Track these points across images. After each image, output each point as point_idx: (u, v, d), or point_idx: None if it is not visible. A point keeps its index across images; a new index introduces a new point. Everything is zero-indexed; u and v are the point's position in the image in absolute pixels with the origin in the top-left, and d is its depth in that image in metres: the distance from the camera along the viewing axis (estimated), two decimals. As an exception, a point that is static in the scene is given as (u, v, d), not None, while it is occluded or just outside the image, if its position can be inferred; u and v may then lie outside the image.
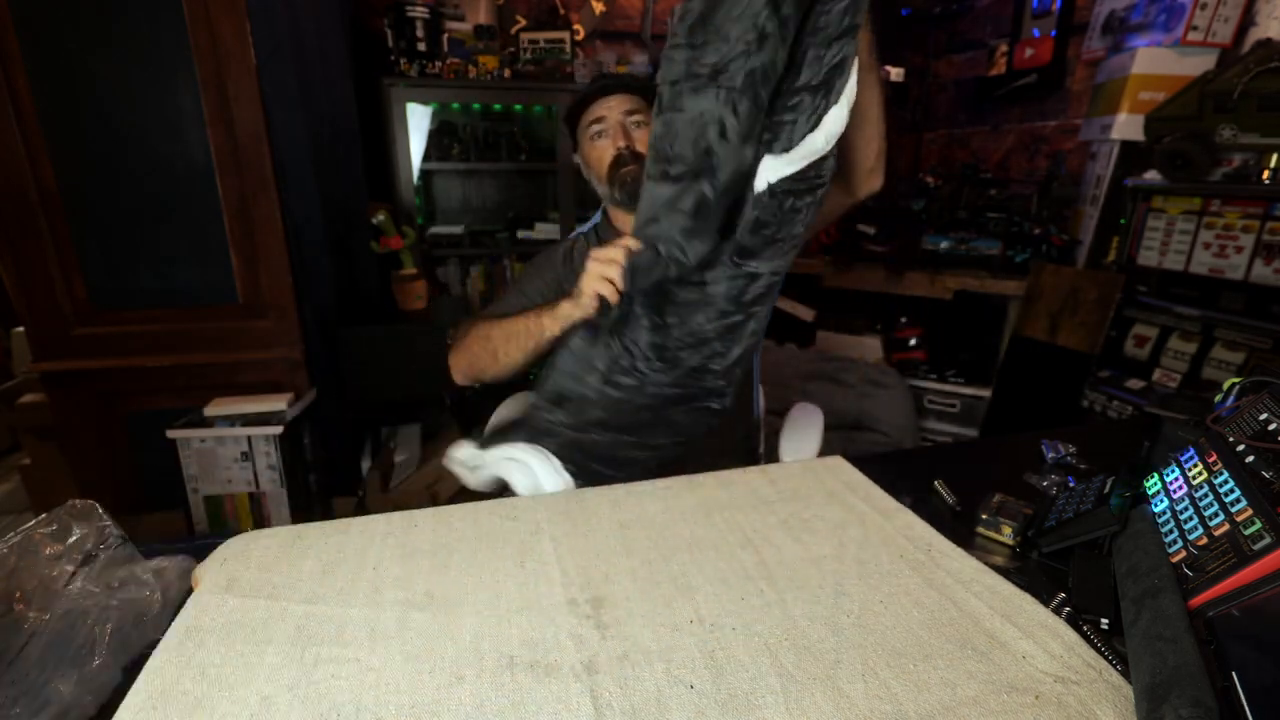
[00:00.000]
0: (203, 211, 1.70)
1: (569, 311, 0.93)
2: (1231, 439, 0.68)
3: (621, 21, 2.76)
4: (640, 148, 1.07)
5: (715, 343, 0.94)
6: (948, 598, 0.62)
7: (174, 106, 1.63)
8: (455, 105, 2.59)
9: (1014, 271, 2.36)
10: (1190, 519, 0.64)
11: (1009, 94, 2.61)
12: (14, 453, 2.49)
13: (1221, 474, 0.65)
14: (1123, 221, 2.00)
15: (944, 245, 2.52)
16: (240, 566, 0.68)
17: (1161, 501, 0.69)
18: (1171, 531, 0.64)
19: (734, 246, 0.89)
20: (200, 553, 0.71)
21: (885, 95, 0.95)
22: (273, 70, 1.66)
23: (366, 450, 2.32)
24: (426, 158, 2.49)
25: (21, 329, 2.15)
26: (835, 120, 0.83)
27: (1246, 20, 1.90)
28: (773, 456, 1.24)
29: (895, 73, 2.80)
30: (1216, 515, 0.61)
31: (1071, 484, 0.83)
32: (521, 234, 2.67)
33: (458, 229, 2.61)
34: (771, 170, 0.85)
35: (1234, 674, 0.48)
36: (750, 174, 0.85)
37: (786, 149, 0.84)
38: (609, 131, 1.09)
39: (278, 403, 1.81)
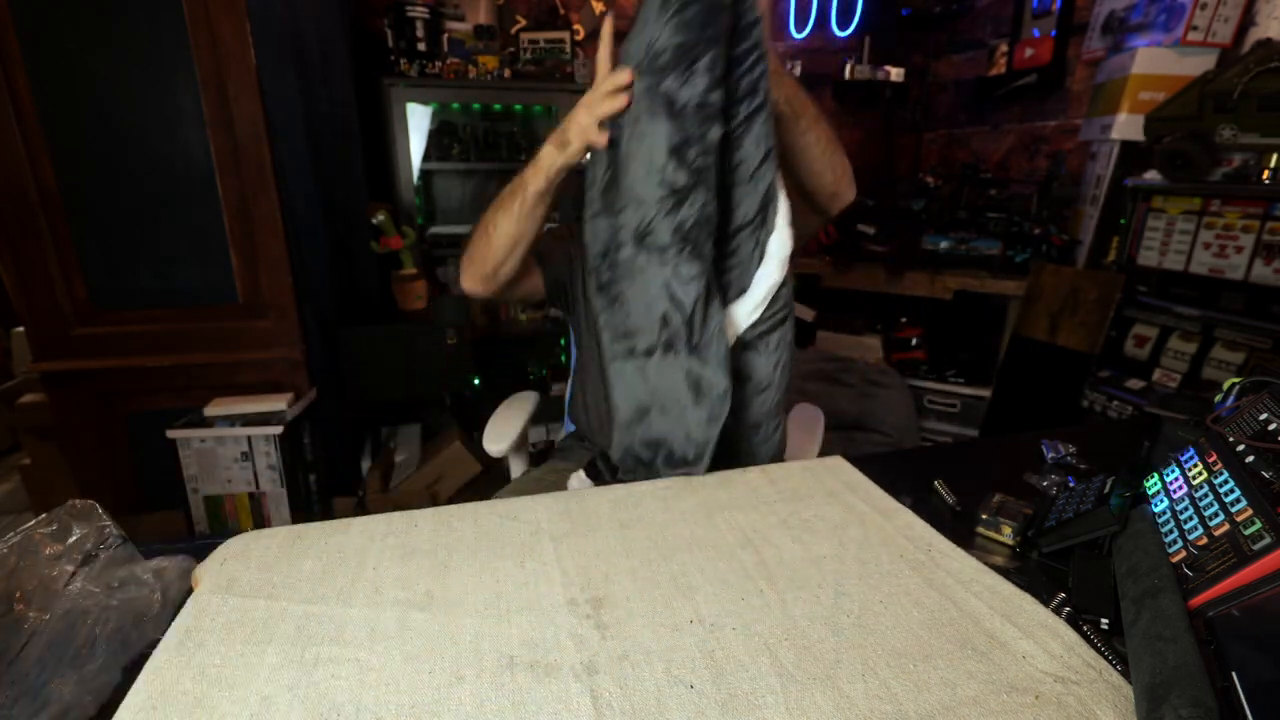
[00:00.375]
0: (202, 211, 1.70)
1: (552, 159, 0.86)
2: (1231, 439, 0.68)
3: (621, 22, 2.75)
4: None
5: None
6: (948, 598, 0.62)
7: (174, 106, 1.62)
8: (455, 105, 2.59)
9: (1014, 271, 2.36)
10: (1190, 519, 0.64)
11: (1009, 94, 2.60)
12: (14, 453, 2.49)
13: (1221, 474, 0.65)
14: (1123, 221, 2.00)
15: (944, 245, 2.52)
16: (240, 567, 0.68)
17: (1161, 501, 0.69)
18: (1171, 531, 0.64)
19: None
20: (200, 553, 0.71)
21: (828, 133, 0.92)
22: (273, 70, 1.66)
23: (366, 450, 2.32)
24: (426, 158, 2.48)
25: (21, 329, 2.14)
26: (779, 244, 0.83)
27: (1246, 20, 1.90)
28: (773, 456, 1.24)
29: (895, 73, 2.80)
30: (1216, 515, 0.61)
31: (1071, 484, 0.83)
32: (522, 234, 2.66)
33: (458, 229, 2.61)
34: (740, 318, 0.86)
35: (1234, 674, 0.48)
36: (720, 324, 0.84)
37: (742, 292, 0.84)
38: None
39: (278, 403, 1.81)
